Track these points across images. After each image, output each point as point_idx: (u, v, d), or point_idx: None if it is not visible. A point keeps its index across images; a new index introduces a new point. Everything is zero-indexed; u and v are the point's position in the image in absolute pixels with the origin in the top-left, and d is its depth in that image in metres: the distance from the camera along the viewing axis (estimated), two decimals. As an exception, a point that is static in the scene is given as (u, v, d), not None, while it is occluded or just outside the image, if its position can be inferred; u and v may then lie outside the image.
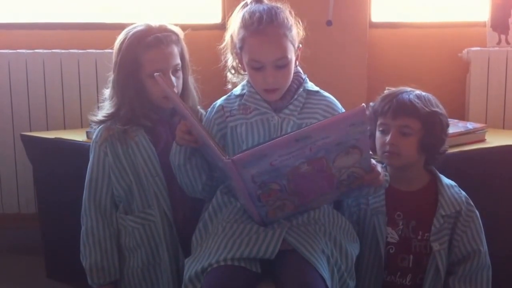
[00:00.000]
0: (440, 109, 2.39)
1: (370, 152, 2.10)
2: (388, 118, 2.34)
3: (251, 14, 2.19)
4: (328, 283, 2.01)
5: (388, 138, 2.34)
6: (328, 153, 1.96)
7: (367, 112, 2.42)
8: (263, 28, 2.15)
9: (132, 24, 2.42)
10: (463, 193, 2.42)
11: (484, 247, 2.38)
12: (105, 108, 2.44)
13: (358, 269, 2.39)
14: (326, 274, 2.02)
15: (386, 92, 2.45)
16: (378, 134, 2.40)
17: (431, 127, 2.34)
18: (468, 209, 2.39)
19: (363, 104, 1.93)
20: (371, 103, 2.46)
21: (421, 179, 2.43)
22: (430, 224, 2.36)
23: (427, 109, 2.33)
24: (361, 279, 2.40)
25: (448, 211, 2.36)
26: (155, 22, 2.41)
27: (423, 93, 2.40)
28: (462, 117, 3.48)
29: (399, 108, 2.33)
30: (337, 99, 2.37)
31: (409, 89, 2.41)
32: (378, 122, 2.39)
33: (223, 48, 2.38)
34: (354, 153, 2.00)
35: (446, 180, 2.43)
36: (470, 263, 2.36)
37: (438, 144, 2.39)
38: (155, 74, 2.20)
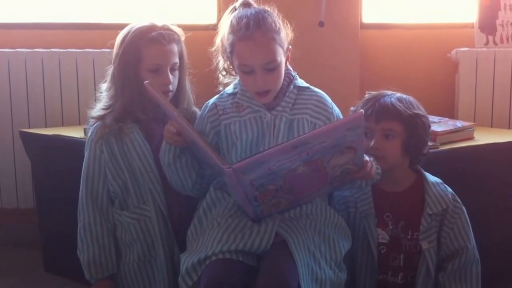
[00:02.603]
0: (422, 111, 2.40)
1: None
2: (371, 122, 2.34)
3: (239, 19, 2.21)
4: (301, 279, 2.01)
5: (372, 142, 2.34)
6: (323, 155, 2.00)
7: None
8: (250, 33, 2.17)
9: (128, 23, 2.46)
10: (449, 190, 2.43)
11: (472, 243, 2.40)
12: (103, 101, 2.47)
13: (353, 270, 2.42)
14: (302, 269, 2.03)
15: (366, 96, 2.46)
16: None
17: (413, 129, 2.35)
18: (454, 206, 2.40)
19: (361, 110, 1.97)
20: (352, 108, 2.47)
21: (407, 179, 2.45)
22: (418, 223, 2.37)
23: (409, 111, 2.34)
24: (356, 279, 2.42)
25: (435, 210, 2.37)
26: (158, 22, 2.44)
27: (404, 96, 2.40)
28: (451, 115, 3.49)
29: (381, 111, 2.34)
30: (329, 97, 2.38)
31: (390, 92, 2.42)
32: None
33: (214, 50, 2.40)
34: (348, 152, 2.03)
35: (431, 178, 2.45)
36: (458, 259, 2.38)
37: (421, 145, 2.40)
38: (144, 82, 2.21)
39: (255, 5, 2.31)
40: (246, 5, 2.30)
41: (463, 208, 2.42)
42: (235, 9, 2.30)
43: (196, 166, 2.29)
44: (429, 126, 2.44)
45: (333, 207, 2.43)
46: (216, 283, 2.00)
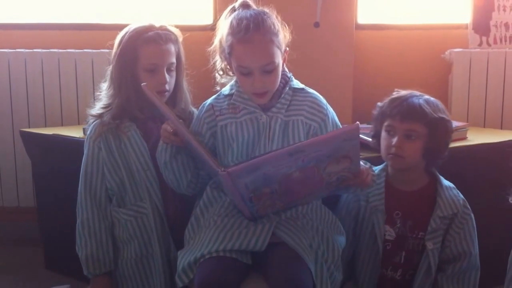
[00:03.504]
0: (447, 115, 2.38)
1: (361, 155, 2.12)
2: (396, 121, 2.34)
3: (239, 21, 2.20)
4: (314, 275, 2.07)
5: (394, 140, 2.34)
6: (319, 162, 2.01)
7: (375, 112, 2.45)
8: (250, 35, 2.17)
9: (127, 24, 2.49)
10: (461, 195, 2.44)
11: (475, 250, 2.42)
12: (103, 100, 2.49)
13: (355, 264, 2.45)
14: (312, 267, 2.07)
15: (395, 94, 2.44)
16: (384, 134, 2.40)
17: (437, 133, 2.34)
18: (464, 212, 2.41)
19: (357, 122, 1.97)
20: (378, 103, 2.45)
21: (421, 180, 2.45)
22: (426, 223, 2.39)
23: (435, 115, 2.32)
24: (358, 273, 2.45)
25: (445, 213, 2.38)
26: (156, 22, 2.46)
27: (432, 99, 2.38)
28: (445, 115, 3.53)
29: (408, 112, 2.33)
30: (324, 97, 2.39)
31: (418, 93, 2.40)
32: (385, 124, 2.38)
33: (212, 50, 2.40)
34: (344, 161, 2.05)
35: (445, 182, 2.45)
36: (460, 264, 2.41)
37: (441, 150, 2.40)
38: (142, 84, 2.23)
39: (254, 6, 2.32)
40: (245, 6, 2.30)
41: (472, 214, 2.43)
42: (234, 10, 2.31)
43: (191, 166, 2.30)
44: (452, 131, 2.44)
45: (344, 198, 2.49)
46: (210, 281, 2.03)
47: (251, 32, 2.18)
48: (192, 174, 2.31)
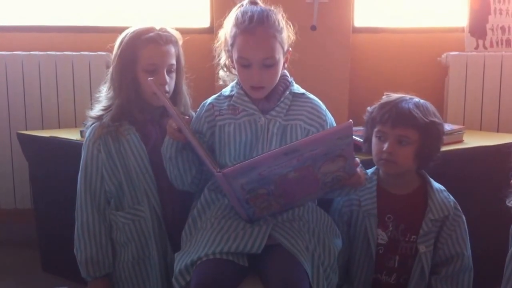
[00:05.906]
0: (438, 118, 2.38)
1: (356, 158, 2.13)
2: (387, 127, 2.33)
3: (244, 13, 2.23)
4: (311, 278, 2.07)
5: (385, 146, 2.33)
6: (314, 162, 2.02)
7: (365, 117, 2.43)
8: (253, 27, 2.19)
9: (124, 27, 2.48)
10: (452, 198, 2.44)
11: (468, 251, 2.42)
12: (102, 102, 2.49)
13: (350, 268, 2.44)
14: (309, 269, 2.07)
15: (385, 98, 2.42)
16: (375, 140, 2.39)
17: (428, 137, 2.33)
18: (455, 214, 2.41)
19: (350, 120, 1.97)
20: (368, 108, 2.44)
21: (412, 183, 2.45)
22: (418, 226, 2.38)
23: (426, 119, 2.32)
24: (352, 277, 2.44)
25: (437, 216, 2.38)
26: (157, 25, 2.46)
27: (422, 101, 2.38)
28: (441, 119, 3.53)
29: (398, 118, 2.31)
30: (320, 100, 2.39)
31: (408, 97, 2.38)
32: (376, 129, 2.37)
33: (217, 46, 2.41)
34: (339, 160, 2.05)
35: (436, 185, 2.45)
36: (453, 265, 2.40)
37: (433, 153, 2.39)
38: (148, 78, 2.25)
39: (261, 4, 2.33)
40: (253, 3, 2.32)
41: (463, 216, 2.43)
42: (242, 6, 2.32)
43: (196, 161, 2.30)
44: (443, 133, 2.43)
45: (336, 203, 2.49)
46: (206, 283, 2.03)
47: (254, 24, 2.19)
48: (197, 170, 2.31)
